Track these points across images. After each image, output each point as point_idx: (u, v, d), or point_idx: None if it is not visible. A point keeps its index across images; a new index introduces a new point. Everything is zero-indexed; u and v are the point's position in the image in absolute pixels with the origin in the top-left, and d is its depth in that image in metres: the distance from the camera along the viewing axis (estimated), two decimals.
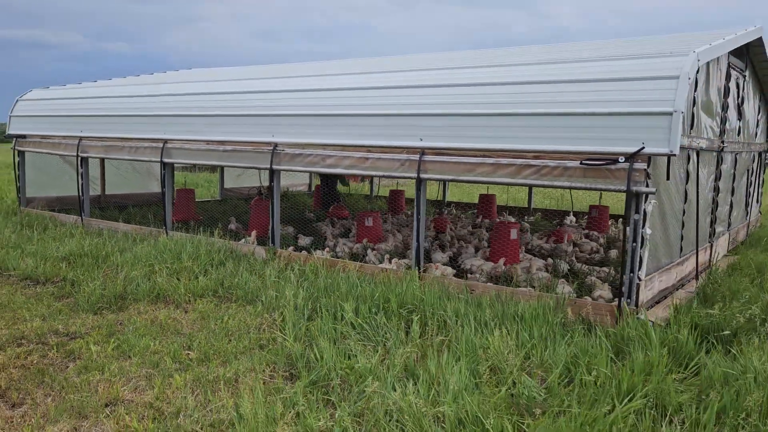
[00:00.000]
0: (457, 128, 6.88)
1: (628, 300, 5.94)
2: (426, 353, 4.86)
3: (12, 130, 12.65)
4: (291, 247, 8.99)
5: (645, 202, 5.82)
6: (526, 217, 13.33)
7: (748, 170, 11.09)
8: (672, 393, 4.03)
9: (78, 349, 5.28)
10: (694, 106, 7.00)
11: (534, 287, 6.84)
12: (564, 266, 8.14)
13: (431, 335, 5.28)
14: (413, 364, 4.64)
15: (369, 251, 8.72)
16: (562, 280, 7.09)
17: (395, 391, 4.06)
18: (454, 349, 4.88)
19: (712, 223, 8.74)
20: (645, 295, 6.09)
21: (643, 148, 5.71)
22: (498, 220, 11.89)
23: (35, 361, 5.04)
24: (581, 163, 6.02)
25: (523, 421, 3.81)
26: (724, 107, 8.47)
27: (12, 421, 4.04)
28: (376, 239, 9.69)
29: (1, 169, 22.59)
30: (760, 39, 9.12)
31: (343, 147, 7.78)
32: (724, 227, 9.58)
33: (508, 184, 6.81)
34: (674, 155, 5.68)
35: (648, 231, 5.90)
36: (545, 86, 6.45)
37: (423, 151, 7.10)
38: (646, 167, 5.74)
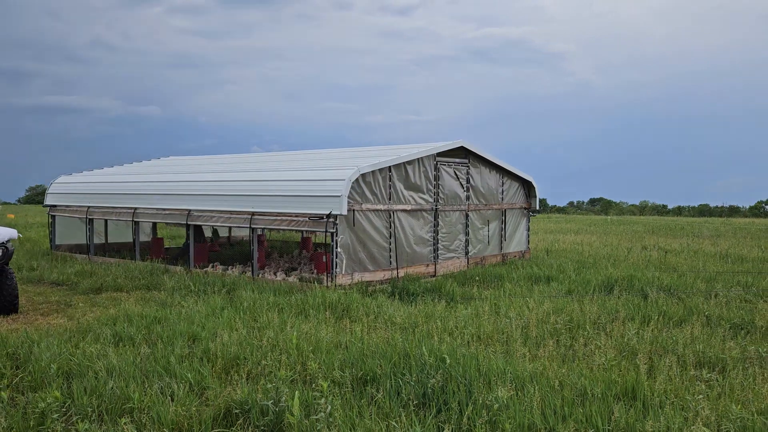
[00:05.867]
0: (267, 202, 13.79)
1: (331, 282, 12.65)
2: (215, 300, 11.56)
3: (47, 202, 19.94)
4: (207, 267, 15.82)
5: (336, 236, 12.61)
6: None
7: (498, 221, 17.74)
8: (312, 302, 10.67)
9: (74, 305, 12.09)
10: (390, 188, 13.87)
11: (300, 280, 13.58)
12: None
13: (228, 294, 12.00)
14: (200, 302, 11.34)
15: (238, 268, 15.45)
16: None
17: (196, 305, 10.71)
18: (233, 297, 11.54)
19: (436, 250, 15.40)
20: (343, 280, 12.78)
21: (331, 212, 12.54)
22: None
23: (55, 307, 11.87)
24: (309, 219, 12.87)
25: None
26: (436, 186, 15.29)
27: (44, 320, 10.83)
28: (261, 264, 16.45)
29: (42, 227, 30.10)
30: (461, 147, 15.98)
31: (220, 211, 14.75)
32: (458, 254, 16.20)
33: (288, 230, 13.66)
34: (344, 215, 12.49)
35: (339, 250, 12.68)
36: (299, 182, 13.42)
37: (253, 214, 14.01)
38: (334, 221, 12.55)
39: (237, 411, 5.44)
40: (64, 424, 5.17)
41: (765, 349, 7.39)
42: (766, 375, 6.44)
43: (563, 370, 6.41)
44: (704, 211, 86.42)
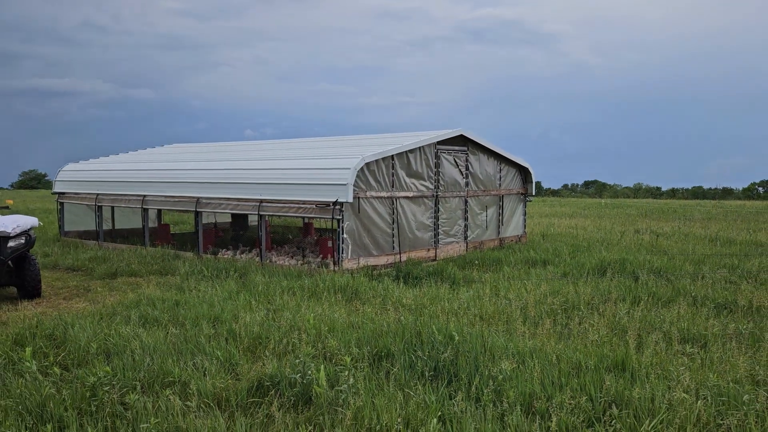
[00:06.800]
0: (275, 190, 14.33)
1: (337, 267, 13.26)
2: (229, 284, 12.15)
3: (56, 189, 20.42)
4: (219, 253, 16.39)
5: (342, 223, 13.19)
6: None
7: (496, 206, 18.36)
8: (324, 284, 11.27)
9: (93, 290, 12.66)
10: (393, 176, 14.44)
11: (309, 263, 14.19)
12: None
13: (240, 278, 12.59)
14: (216, 286, 11.93)
15: (253, 253, 16.05)
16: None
17: (213, 289, 11.29)
18: (246, 281, 12.13)
19: (436, 235, 16.01)
20: (349, 265, 13.39)
21: (337, 199, 13.11)
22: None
23: (74, 292, 12.43)
24: (316, 206, 13.44)
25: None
26: (436, 173, 15.87)
27: (67, 304, 11.40)
28: (268, 248, 17.03)
29: (51, 213, 30.59)
30: (461, 135, 16.53)
31: (227, 198, 15.29)
32: (457, 239, 16.82)
33: (295, 217, 14.24)
34: (350, 202, 13.07)
35: (345, 236, 13.27)
36: (306, 170, 13.97)
37: (261, 201, 14.56)
38: (340, 208, 13.13)
39: (268, 384, 6.06)
40: (115, 396, 5.77)
41: (744, 326, 8.05)
42: (742, 349, 7.11)
43: (560, 346, 7.05)
44: (698, 193, 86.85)
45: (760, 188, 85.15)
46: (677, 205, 51.21)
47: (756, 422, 5.08)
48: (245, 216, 21.26)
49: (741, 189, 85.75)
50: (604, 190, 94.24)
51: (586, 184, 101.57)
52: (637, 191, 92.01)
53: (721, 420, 5.11)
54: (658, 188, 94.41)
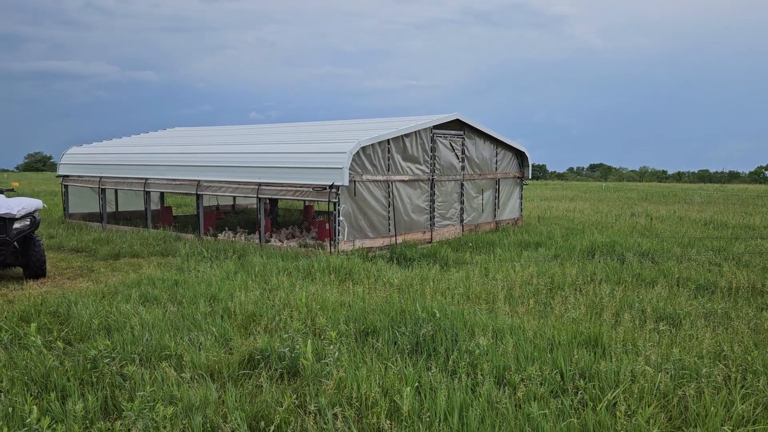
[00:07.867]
0: (274, 173, 14.65)
1: (334, 249, 13.61)
2: (228, 265, 12.51)
3: (60, 172, 20.78)
4: (216, 235, 16.77)
5: (338, 206, 13.52)
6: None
7: (492, 190, 18.64)
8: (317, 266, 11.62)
9: (96, 270, 13.05)
10: (388, 160, 14.73)
11: (308, 245, 14.55)
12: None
13: (239, 259, 12.96)
14: (215, 267, 12.30)
15: (253, 235, 16.42)
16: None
17: (211, 270, 11.66)
18: (244, 262, 12.50)
19: (432, 218, 16.32)
20: (345, 247, 13.73)
21: (333, 182, 13.42)
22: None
23: (78, 272, 12.83)
24: (313, 189, 13.76)
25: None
26: (432, 157, 16.14)
27: (71, 284, 11.80)
28: (266, 230, 17.40)
29: (56, 196, 31.07)
30: (457, 120, 16.76)
31: (228, 182, 15.63)
32: (453, 221, 17.14)
33: (293, 199, 14.57)
34: (346, 185, 13.38)
35: (341, 219, 13.61)
36: (303, 154, 14.27)
37: (260, 184, 14.88)
38: (336, 191, 13.44)
39: (258, 357, 6.42)
40: (114, 368, 6.15)
41: (720, 306, 8.36)
42: (711, 327, 7.43)
43: (538, 323, 7.39)
44: (704, 177, 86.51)
45: (767, 171, 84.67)
46: (678, 189, 51.31)
47: (712, 393, 5.42)
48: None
49: (747, 173, 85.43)
50: (609, 173, 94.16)
51: (592, 167, 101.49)
52: (643, 175, 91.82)
53: (680, 390, 5.45)
54: (664, 172, 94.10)
